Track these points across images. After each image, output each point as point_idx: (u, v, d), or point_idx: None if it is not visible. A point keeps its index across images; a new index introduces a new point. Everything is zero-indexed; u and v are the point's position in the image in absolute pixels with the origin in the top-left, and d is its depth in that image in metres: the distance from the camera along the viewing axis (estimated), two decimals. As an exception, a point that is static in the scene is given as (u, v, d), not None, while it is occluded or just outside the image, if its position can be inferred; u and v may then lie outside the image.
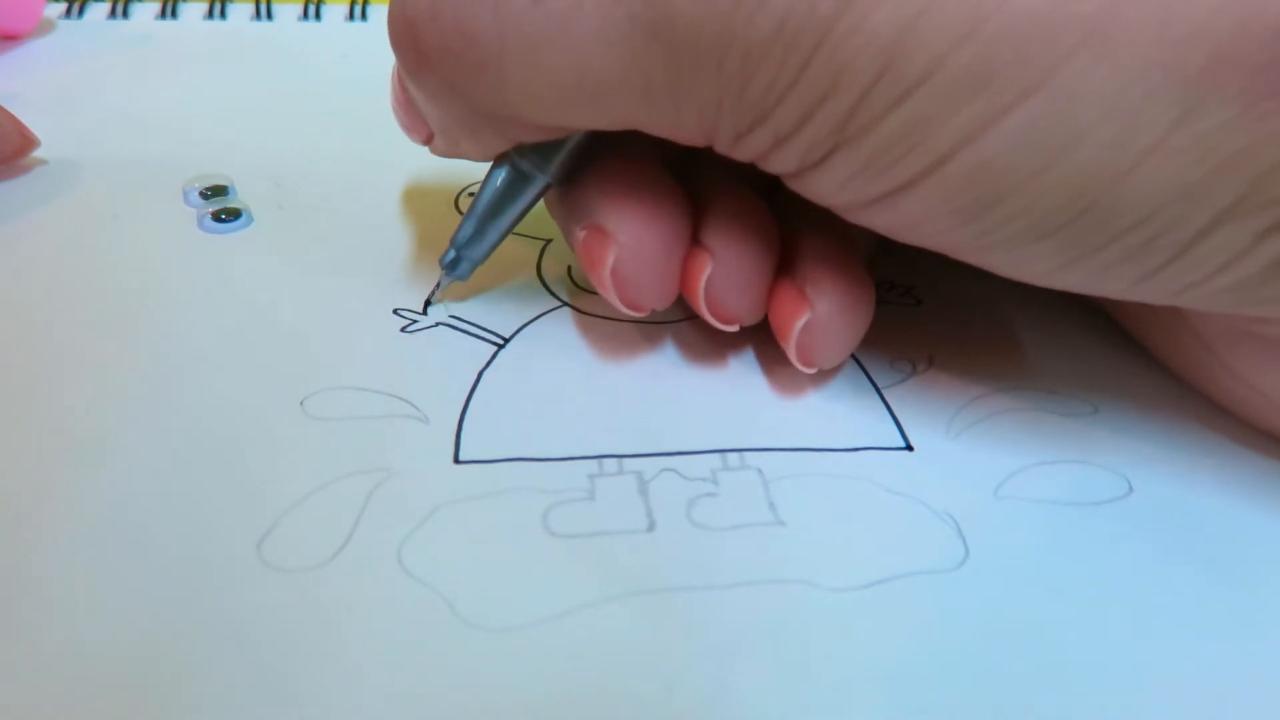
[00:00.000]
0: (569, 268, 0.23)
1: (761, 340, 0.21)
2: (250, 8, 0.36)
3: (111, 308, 0.21)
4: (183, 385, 0.19)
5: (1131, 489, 0.18)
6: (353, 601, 0.15)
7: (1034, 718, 0.14)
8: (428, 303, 0.21)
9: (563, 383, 0.20)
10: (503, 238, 0.20)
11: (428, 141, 0.20)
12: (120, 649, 0.14)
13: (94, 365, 0.19)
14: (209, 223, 0.23)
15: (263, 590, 0.15)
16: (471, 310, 0.21)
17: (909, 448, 0.18)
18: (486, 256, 0.20)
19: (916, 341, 0.21)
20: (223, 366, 0.19)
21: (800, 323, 0.18)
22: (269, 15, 0.35)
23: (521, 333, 0.21)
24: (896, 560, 0.16)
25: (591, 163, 0.19)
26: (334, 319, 0.21)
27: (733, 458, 0.18)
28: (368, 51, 0.33)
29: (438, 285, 0.21)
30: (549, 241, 0.24)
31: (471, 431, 0.18)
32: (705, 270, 0.18)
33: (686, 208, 0.19)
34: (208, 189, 0.25)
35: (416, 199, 0.25)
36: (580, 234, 0.19)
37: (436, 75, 0.17)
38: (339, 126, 0.28)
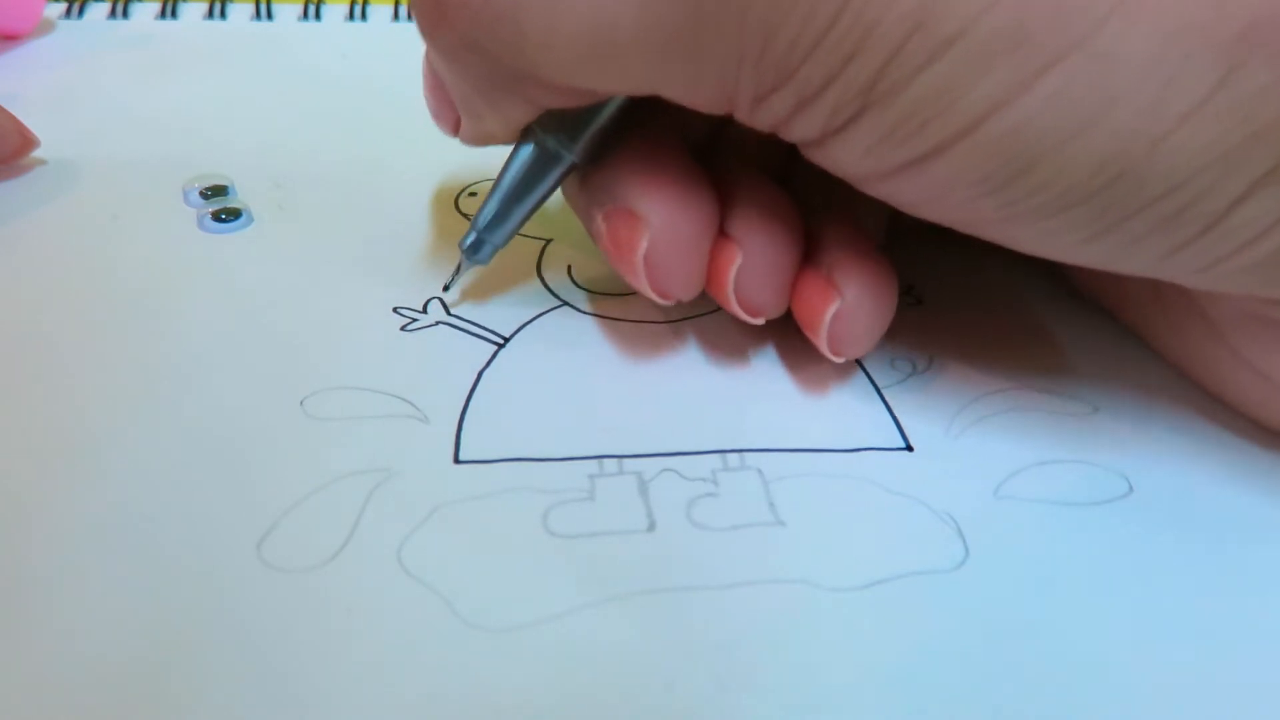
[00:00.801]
0: (569, 267, 0.23)
1: (764, 339, 0.21)
2: (250, 8, 0.36)
3: (111, 308, 0.21)
4: (183, 385, 0.19)
5: (1131, 489, 0.18)
6: (353, 601, 0.15)
7: (1034, 718, 0.14)
8: (446, 287, 0.21)
9: (562, 383, 0.19)
10: (525, 220, 0.20)
11: (456, 129, 0.19)
12: (120, 649, 0.14)
13: (94, 365, 0.19)
14: (209, 223, 0.23)
15: (263, 590, 0.15)
16: (471, 310, 0.21)
17: (909, 448, 0.18)
18: (508, 240, 0.20)
19: (916, 341, 0.21)
20: (223, 366, 0.19)
21: (830, 312, 0.18)
22: (269, 15, 0.35)
23: (521, 332, 0.21)
24: (896, 560, 0.16)
25: (617, 145, 0.18)
26: (334, 319, 0.21)
27: (733, 458, 0.18)
28: (368, 51, 0.33)
29: (458, 269, 0.21)
30: (549, 241, 0.24)
31: (471, 431, 0.18)
32: (735, 262, 0.18)
33: (714, 194, 0.18)
34: (208, 189, 0.25)
35: (416, 199, 0.25)
36: (603, 218, 0.18)
37: (455, 31, 0.16)
38: (339, 126, 0.28)
